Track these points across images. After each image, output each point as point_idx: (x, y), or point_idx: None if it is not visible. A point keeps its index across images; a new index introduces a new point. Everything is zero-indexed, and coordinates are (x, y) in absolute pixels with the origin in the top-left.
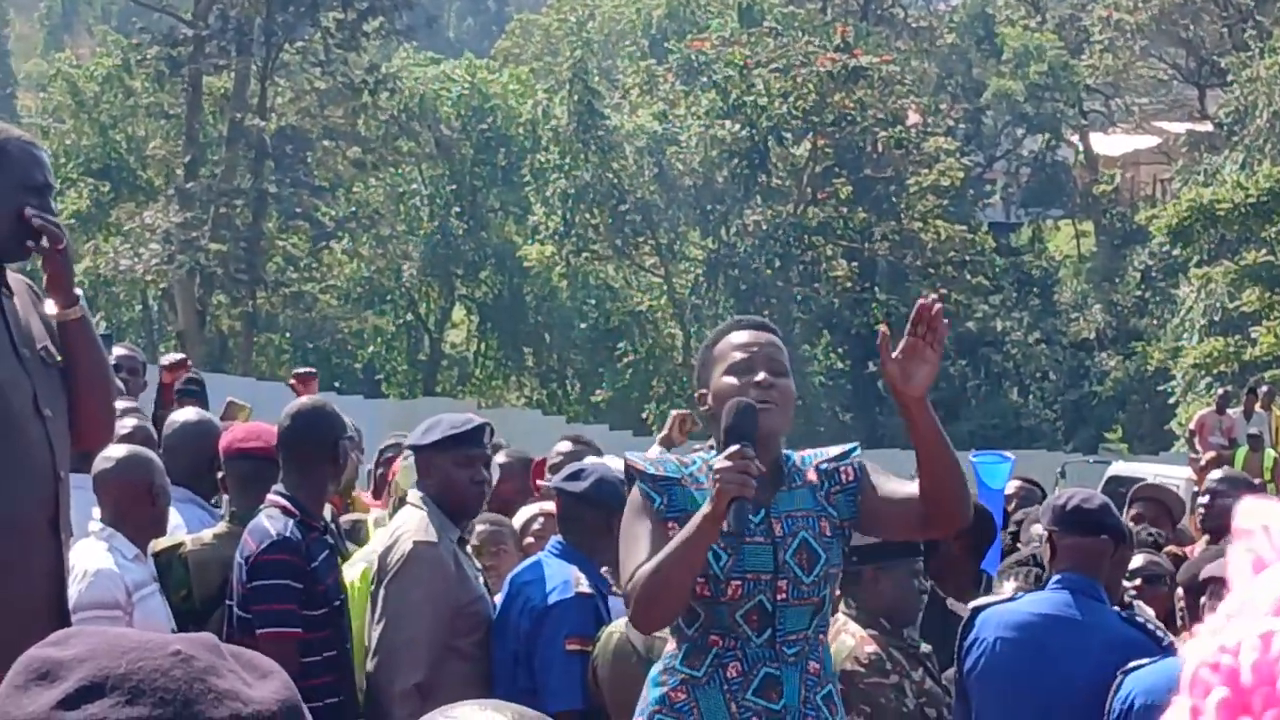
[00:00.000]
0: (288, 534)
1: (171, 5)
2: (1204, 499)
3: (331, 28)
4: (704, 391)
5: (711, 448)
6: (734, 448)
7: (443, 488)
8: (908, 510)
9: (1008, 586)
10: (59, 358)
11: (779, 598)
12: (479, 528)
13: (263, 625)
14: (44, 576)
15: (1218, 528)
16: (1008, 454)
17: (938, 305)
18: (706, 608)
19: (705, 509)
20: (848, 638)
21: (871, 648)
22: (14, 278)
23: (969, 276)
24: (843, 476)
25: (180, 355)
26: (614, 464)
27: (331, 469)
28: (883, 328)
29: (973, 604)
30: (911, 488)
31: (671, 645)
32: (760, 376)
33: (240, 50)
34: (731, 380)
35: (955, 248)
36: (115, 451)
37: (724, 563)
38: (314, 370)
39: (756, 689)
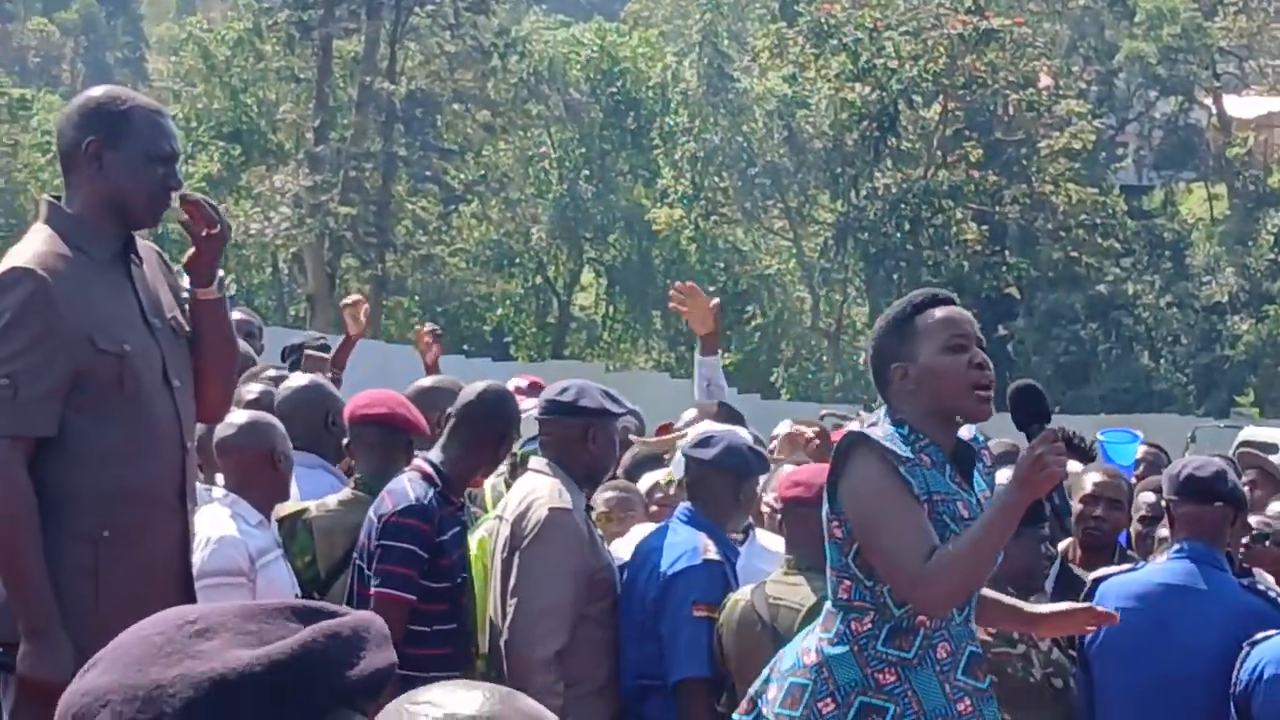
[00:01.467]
0: (426, 501)
1: None
2: None
3: None
4: (902, 365)
5: (900, 421)
6: (1048, 431)
7: (579, 454)
8: None
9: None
10: (187, 328)
11: None
12: (607, 494)
13: (380, 585)
14: (171, 546)
15: None
16: (1136, 431)
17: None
18: None
19: (1014, 495)
20: None
21: None
22: (144, 245)
23: (1100, 240)
24: (986, 458)
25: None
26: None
27: (491, 456)
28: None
29: (1094, 574)
30: None
31: (856, 624)
32: (981, 358)
33: (370, 14)
34: (951, 358)
35: (1086, 211)
36: (237, 418)
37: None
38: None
39: (965, 668)
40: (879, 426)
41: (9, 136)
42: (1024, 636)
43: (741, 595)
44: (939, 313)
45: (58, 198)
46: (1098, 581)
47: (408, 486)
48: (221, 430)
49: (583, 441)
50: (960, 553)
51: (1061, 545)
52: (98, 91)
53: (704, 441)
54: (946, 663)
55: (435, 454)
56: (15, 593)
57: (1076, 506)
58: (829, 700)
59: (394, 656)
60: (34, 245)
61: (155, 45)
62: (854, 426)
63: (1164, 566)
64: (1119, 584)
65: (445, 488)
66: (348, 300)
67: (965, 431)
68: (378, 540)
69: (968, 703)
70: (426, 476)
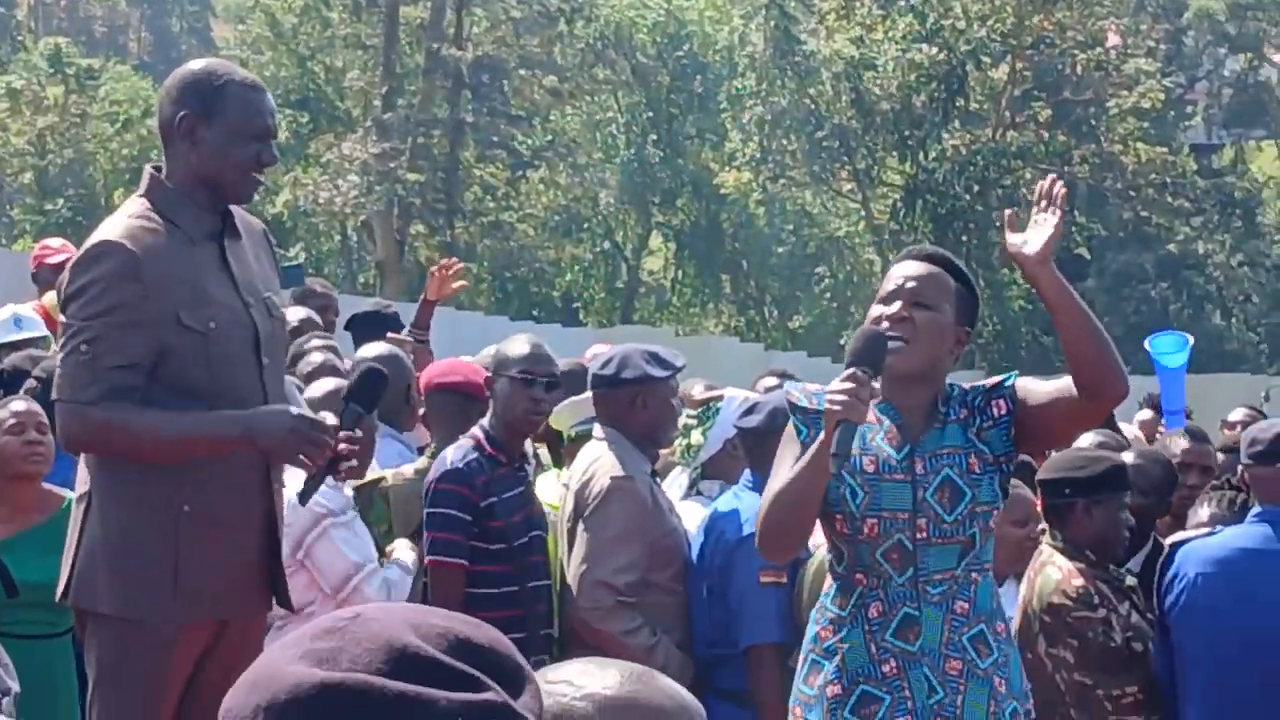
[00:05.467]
0: (461, 465)
1: None
2: None
3: None
4: None
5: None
6: (849, 370)
7: (651, 420)
8: (1064, 399)
9: (1203, 512)
10: (283, 310)
11: (919, 536)
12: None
13: (431, 552)
14: (255, 524)
15: None
16: (1186, 336)
17: (1057, 183)
18: (848, 545)
19: (822, 436)
20: (1054, 570)
21: (1079, 581)
22: (247, 221)
23: (1170, 199)
24: (994, 410)
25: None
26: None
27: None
28: (1009, 212)
29: (1171, 539)
30: (1063, 380)
31: (828, 582)
32: (894, 308)
33: None
34: (874, 310)
35: (1156, 170)
36: (323, 386)
37: (860, 500)
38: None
39: (895, 630)
40: None
41: (76, 107)
42: (1103, 600)
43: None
44: (896, 268)
45: (158, 169)
46: (1175, 546)
47: (449, 453)
48: (306, 395)
49: (633, 410)
50: (767, 498)
51: None
52: (196, 65)
53: (750, 409)
54: (877, 622)
55: (487, 418)
56: (213, 446)
57: None
58: (803, 655)
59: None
60: (127, 218)
61: (221, 13)
62: None
63: (1242, 531)
64: (1197, 549)
65: (497, 449)
66: (446, 265)
67: (993, 380)
68: (426, 508)
69: (894, 664)
70: (477, 442)
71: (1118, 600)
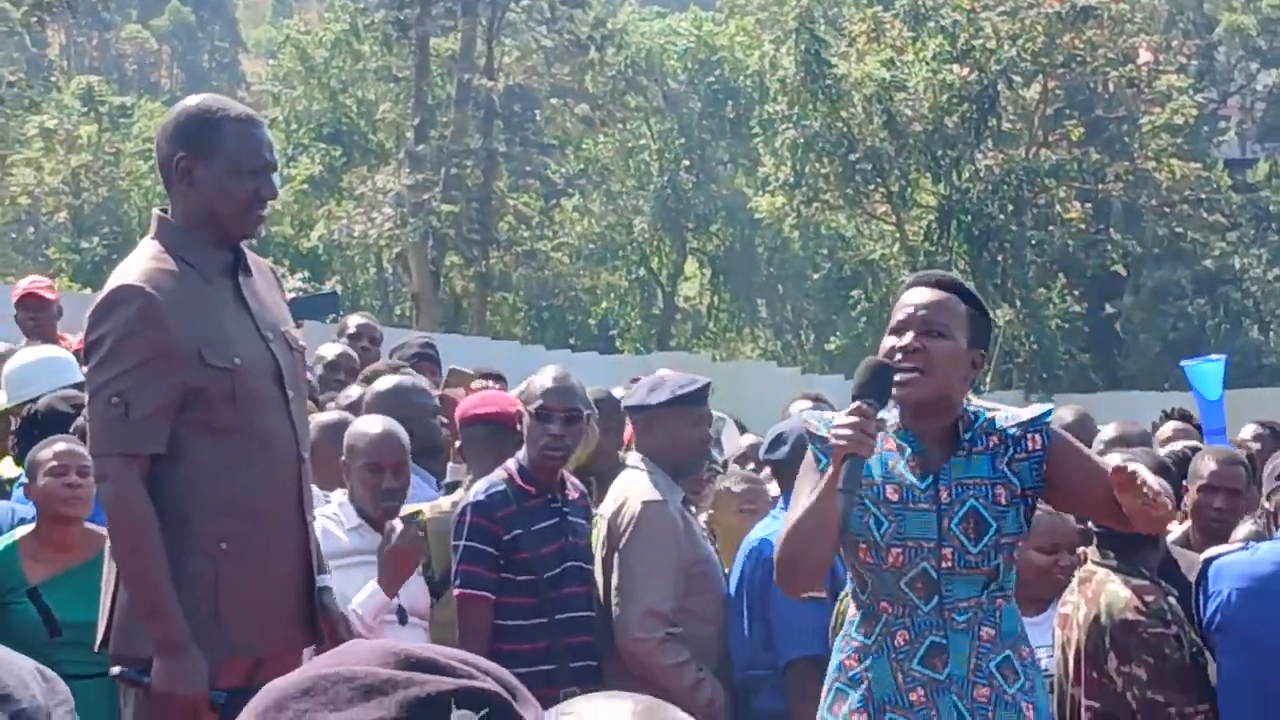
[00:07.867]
0: (484, 497)
1: None
2: None
3: None
4: None
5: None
6: (856, 404)
7: (668, 447)
8: (1107, 501)
9: (1242, 529)
10: (302, 344)
11: (943, 566)
12: (741, 486)
13: (458, 584)
14: (291, 557)
15: None
16: (1214, 356)
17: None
18: (872, 574)
19: (829, 470)
20: (1118, 587)
21: (1151, 597)
22: (255, 258)
23: (1205, 214)
24: (1029, 444)
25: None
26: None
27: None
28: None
29: (1205, 555)
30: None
31: (852, 610)
32: (906, 339)
33: (466, 11)
34: (886, 340)
35: (1190, 185)
36: (370, 425)
37: (885, 529)
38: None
39: (922, 658)
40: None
41: (110, 145)
42: (1175, 617)
43: None
44: (906, 296)
45: (165, 210)
46: (1209, 561)
47: (478, 485)
48: (353, 429)
49: (652, 434)
50: (782, 532)
51: (1177, 531)
52: (191, 103)
53: (776, 441)
54: (904, 650)
55: (523, 450)
56: (146, 611)
57: (1194, 495)
58: (827, 684)
59: None
60: (142, 261)
61: (252, 48)
62: None
63: (1276, 545)
64: (1232, 564)
65: (525, 481)
66: None
67: (1029, 411)
68: (453, 540)
69: (921, 693)
70: (507, 474)
71: (1186, 617)
